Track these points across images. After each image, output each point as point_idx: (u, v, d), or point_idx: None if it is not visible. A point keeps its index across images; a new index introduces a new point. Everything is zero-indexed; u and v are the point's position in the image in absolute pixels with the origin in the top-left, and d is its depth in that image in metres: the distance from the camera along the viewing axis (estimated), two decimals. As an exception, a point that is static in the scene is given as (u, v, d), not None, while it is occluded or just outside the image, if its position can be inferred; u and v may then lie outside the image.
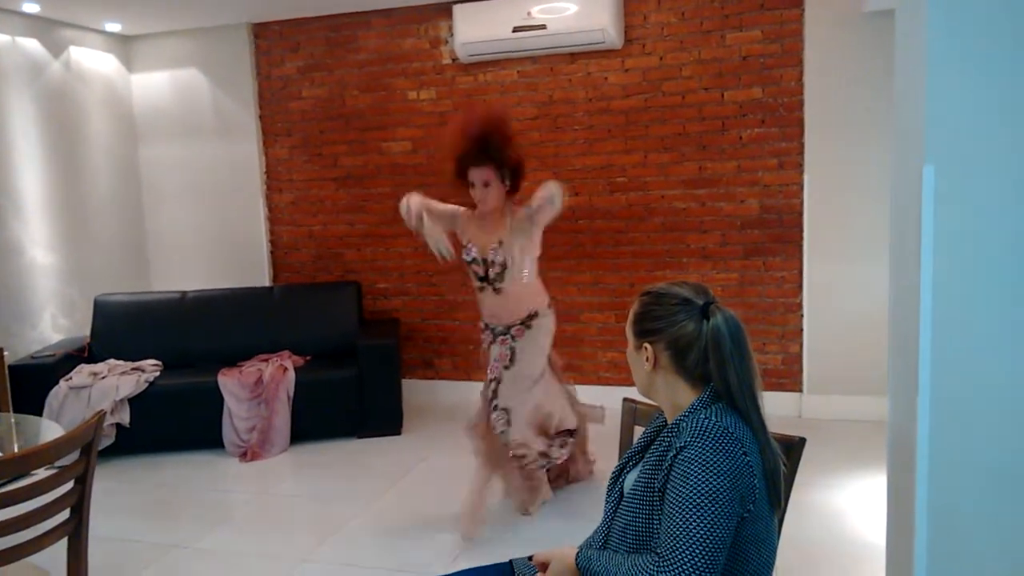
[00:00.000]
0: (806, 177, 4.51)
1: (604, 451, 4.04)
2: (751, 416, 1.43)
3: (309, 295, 5.15)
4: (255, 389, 4.43)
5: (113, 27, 5.32)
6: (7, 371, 4.25)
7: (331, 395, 4.57)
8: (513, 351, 3.42)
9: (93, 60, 5.34)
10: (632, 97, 4.77)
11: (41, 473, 1.94)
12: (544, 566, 1.54)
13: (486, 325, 3.51)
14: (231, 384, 4.43)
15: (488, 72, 5.02)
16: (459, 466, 4.12)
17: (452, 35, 4.95)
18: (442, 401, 5.29)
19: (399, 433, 4.65)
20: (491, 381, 3.45)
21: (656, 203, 4.81)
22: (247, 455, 4.30)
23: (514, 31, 4.66)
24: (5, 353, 4.28)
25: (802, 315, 4.61)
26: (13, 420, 2.97)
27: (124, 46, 5.60)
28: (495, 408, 3.41)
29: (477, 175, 3.34)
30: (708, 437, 1.37)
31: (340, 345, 4.82)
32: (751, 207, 4.64)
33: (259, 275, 5.58)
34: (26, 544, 1.85)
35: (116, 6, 4.85)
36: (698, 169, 4.71)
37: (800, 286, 4.60)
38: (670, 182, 4.77)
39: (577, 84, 4.86)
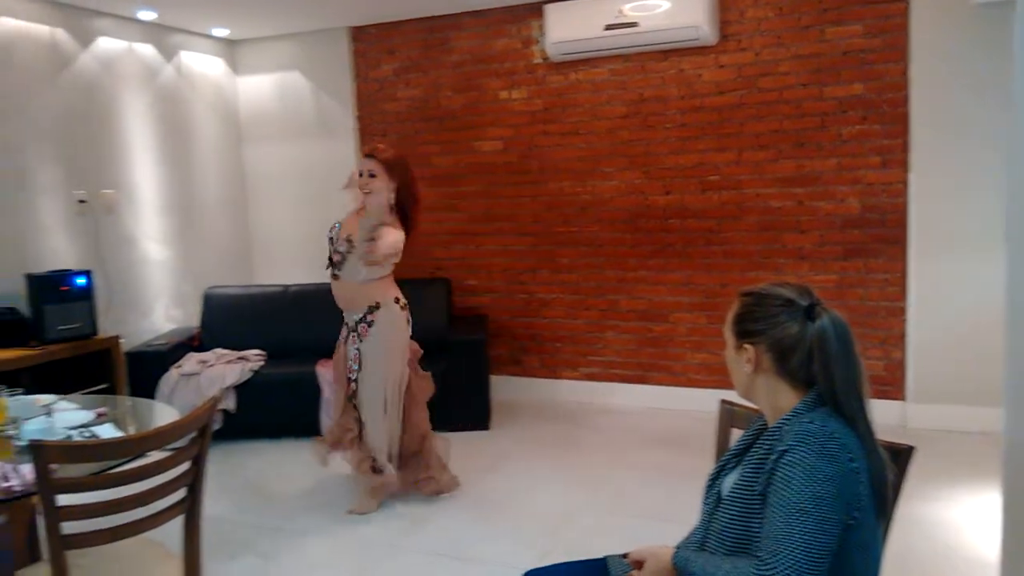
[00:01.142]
0: (912, 175, 4.32)
1: (700, 454, 3.99)
2: (857, 421, 1.39)
3: (403, 289, 5.25)
4: (350, 381, 4.56)
5: (221, 32, 5.59)
6: (124, 357, 4.54)
7: (422, 389, 4.66)
8: (360, 355, 3.56)
9: (202, 64, 5.63)
10: (727, 94, 4.68)
11: (154, 455, 2.06)
12: (639, 564, 1.54)
13: (343, 317, 3.68)
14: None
15: (579, 71, 5.02)
16: (544, 461, 4.16)
17: (543, 34, 4.98)
18: (528, 397, 5.34)
19: (487, 428, 4.71)
20: (350, 381, 3.62)
21: (750, 202, 4.70)
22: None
23: (606, 29, 4.65)
24: (122, 341, 4.58)
25: (906, 319, 4.43)
26: (129, 403, 3.17)
27: (231, 50, 5.88)
28: (355, 407, 3.61)
29: (364, 164, 3.56)
30: (812, 441, 1.34)
31: (431, 340, 4.88)
32: (852, 206, 4.48)
33: (354, 271, 5.75)
34: (145, 520, 1.98)
35: (225, 12, 5.10)
36: (795, 167, 4.58)
37: (904, 289, 4.42)
38: (765, 180, 4.66)
39: (669, 81, 4.81)
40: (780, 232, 4.67)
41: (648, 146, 4.91)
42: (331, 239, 3.62)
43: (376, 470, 3.58)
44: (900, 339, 4.45)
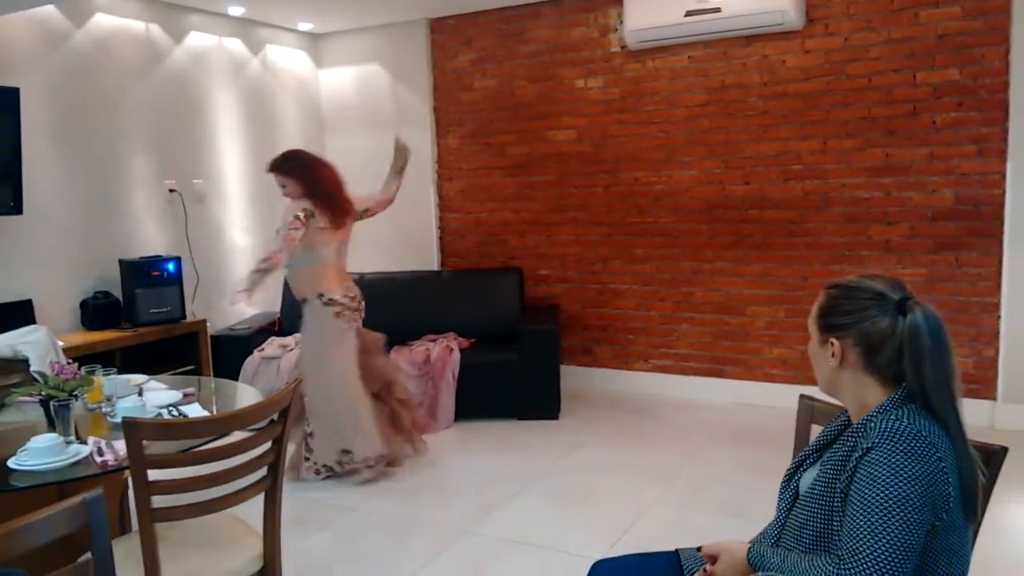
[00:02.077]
0: (1009, 165, 4.09)
1: (775, 450, 3.90)
2: (948, 420, 1.33)
3: (474, 280, 5.33)
4: (423, 367, 4.65)
5: (305, 26, 5.73)
6: (209, 340, 4.73)
7: (493, 376, 4.71)
8: (297, 342, 3.83)
9: (286, 57, 5.79)
10: (812, 80, 4.53)
11: (235, 434, 2.13)
12: (712, 559, 1.51)
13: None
14: (402, 361, 4.67)
15: (657, 58, 4.94)
16: (615, 452, 4.13)
17: (622, 22, 4.92)
18: (599, 388, 5.31)
19: (557, 418, 4.71)
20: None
21: (835, 192, 4.54)
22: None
23: (687, 15, 4.56)
24: (208, 324, 4.77)
25: (999, 316, 4.21)
26: (213, 385, 3.29)
27: (314, 44, 6.02)
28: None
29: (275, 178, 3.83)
30: (899, 440, 1.29)
31: (503, 329, 4.96)
32: (944, 197, 4.28)
33: (429, 259, 5.84)
34: (228, 496, 2.06)
35: (309, 6, 5.23)
36: (884, 156, 4.40)
37: (998, 284, 4.20)
38: (852, 170, 4.49)
39: (751, 68, 4.68)
40: (866, 224, 4.49)
41: (728, 134, 4.79)
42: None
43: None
44: (992, 337, 4.24)
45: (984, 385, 4.26)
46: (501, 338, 4.91)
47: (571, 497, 3.60)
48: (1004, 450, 1.49)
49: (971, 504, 1.33)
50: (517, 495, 3.64)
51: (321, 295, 3.76)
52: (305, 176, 3.75)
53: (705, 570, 1.52)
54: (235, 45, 5.36)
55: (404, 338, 4.97)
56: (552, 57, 5.28)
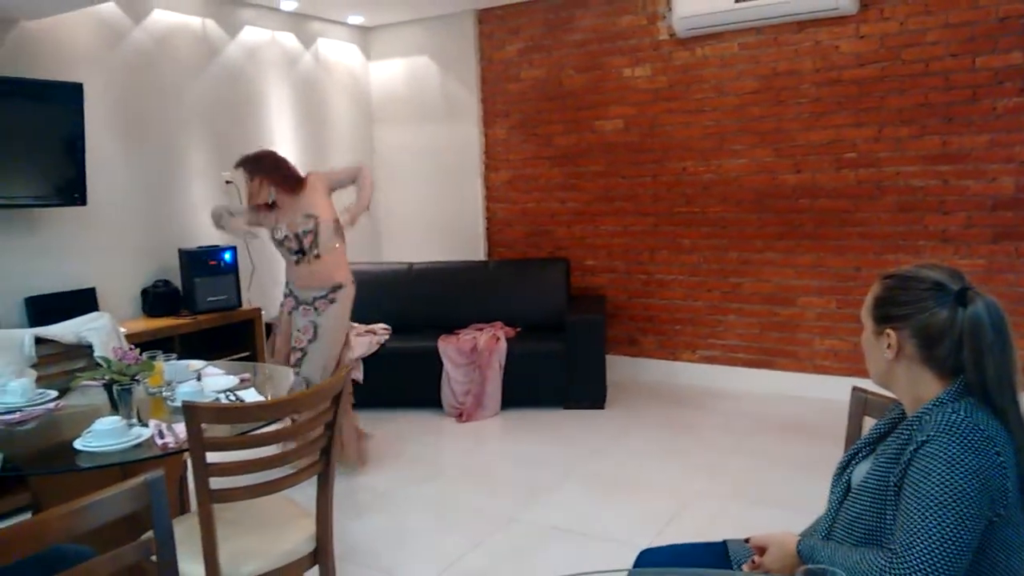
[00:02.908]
0: (1077, 152, 3.94)
1: (825, 443, 3.85)
2: (1009, 414, 1.30)
3: (521, 270, 5.35)
4: (470, 356, 4.69)
5: (356, 19, 5.80)
6: (264, 328, 4.85)
7: (539, 366, 4.73)
8: (316, 327, 3.72)
9: (337, 51, 5.87)
10: (867, 66, 4.42)
11: (285, 419, 2.19)
12: (761, 551, 1.51)
13: (289, 293, 3.84)
14: (449, 350, 4.73)
15: (706, 46, 4.88)
16: (661, 442, 4.12)
17: (671, 10, 4.86)
18: (645, 378, 5.30)
19: (603, 407, 4.72)
20: (296, 350, 3.75)
21: (890, 180, 4.44)
22: (462, 416, 4.59)
23: (737, 2, 4.49)
24: (263, 312, 4.88)
25: (1063, 309, 4.07)
26: (267, 371, 3.37)
27: (364, 37, 6.09)
28: (296, 374, 3.62)
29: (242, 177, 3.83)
30: (956, 433, 1.26)
31: (549, 319, 4.97)
32: (1004, 185, 4.15)
33: (476, 249, 5.88)
34: (283, 479, 2.12)
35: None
36: (941, 143, 4.27)
37: (1062, 276, 4.06)
38: (907, 158, 4.38)
39: (804, 54, 4.59)
40: (922, 213, 4.38)
41: (779, 122, 4.71)
42: (282, 239, 3.77)
43: None
44: (1057, 330, 4.09)
45: (1046, 380, 4.12)
46: (548, 328, 4.93)
47: (616, 486, 3.61)
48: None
49: (1030, 499, 1.30)
50: (562, 483, 3.66)
51: (352, 280, 3.86)
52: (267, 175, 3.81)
53: (753, 561, 1.52)
54: (288, 39, 5.45)
55: (451, 327, 5.02)
56: (600, 46, 5.25)
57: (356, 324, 5.03)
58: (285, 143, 5.45)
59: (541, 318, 5.03)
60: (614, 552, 2.93)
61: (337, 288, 3.78)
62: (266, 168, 3.76)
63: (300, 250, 3.75)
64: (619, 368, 5.32)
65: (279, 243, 3.80)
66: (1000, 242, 4.19)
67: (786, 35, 4.62)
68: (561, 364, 4.69)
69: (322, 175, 3.87)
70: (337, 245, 3.79)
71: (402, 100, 6.07)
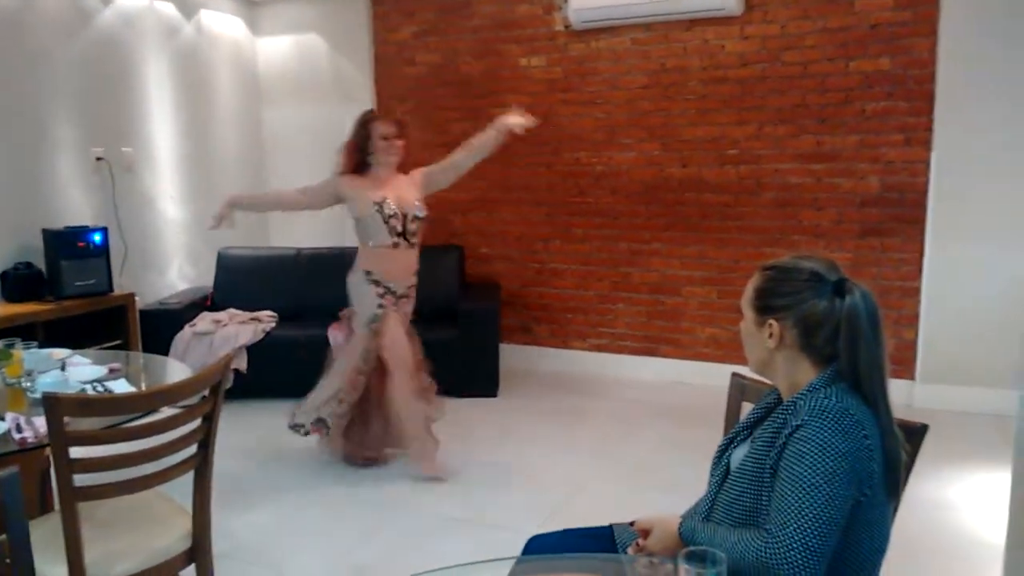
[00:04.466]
0: (934, 154, 4.26)
1: (706, 426, 4.00)
2: (877, 399, 1.38)
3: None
4: (361, 345, 4.59)
5: (241, -9, 5.54)
6: (138, 315, 4.58)
7: (433, 354, 4.64)
8: (407, 315, 3.71)
9: (222, 24, 5.59)
10: (749, 66, 4.61)
11: (165, 411, 2.08)
12: (645, 533, 1.54)
13: (387, 289, 3.60)
14: (340, 337, 4.60)
15: (600, 39, 4.95)
16: (553, 430, 4.18)
17: (566, 1, 4.90)
18: (538, 366, 5.36)
19: (496, 395, 4.73)
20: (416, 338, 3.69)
21: (768, 177, 4.65)
22: (352, 407, 4.49)
23: (630, -3, 4.57)
24: (136, 298, 4.61)
25: (920, 300, 4.40)
26: (142, 360, 3.20)
27: (250, 10, 5.83)
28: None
29: (388, 127, 3.57)
30: (828, 417, 1.33)
31: (442, 307, 4.93)
32: (871, 184, 4.43)
33: (368, 235, 5.75)
34: (156, 475, 2.00)
35: (244, -29, 5.04)
36: (816, 143, 4.52)
37: (919, 269, 4.38)
38: (785, 156, 4.60)
39: (692, 52, 4.74)
40: (797, 208, 4.62)
41: (667, 117, 4.85)
42: (393, 215, 3.53)
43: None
44: (913, 319, 4.42)
45: (904, 366, 4.45)
46: (441, 316, 4.88)
47: (508, 474, 3.63)
48: (924, 428, 1.55)
49: (894, 480, 1.39)
50: (456, 472, 3.64)
51: None
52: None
53: (638, 544, 1.55)
54: (167, 8, 5.14)
55: (337, 315, 4.89)
56: (496, 33, 5.24)
57: (239, 311, 4.84)
58: (164, 118, 5.15)
59: (435, 306, 4.96)
60: (505, 540, 2.94)
61: (417, 272, 3.71)
62: (408, 135, 3.60)
63: (403, 233, 3.55)
64: (513, 356, 5.35)
65: (384, 219, 3.51)
66: (866, 237, 4.47)
67: (676, 32, 4.75)
68: (455, 352, 4.67)
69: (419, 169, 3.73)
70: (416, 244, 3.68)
71: (292, 79, 5.86)
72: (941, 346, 4.35)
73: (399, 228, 3.55)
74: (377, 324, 3.62)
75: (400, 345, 3.62)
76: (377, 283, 3.60)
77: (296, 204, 3.75)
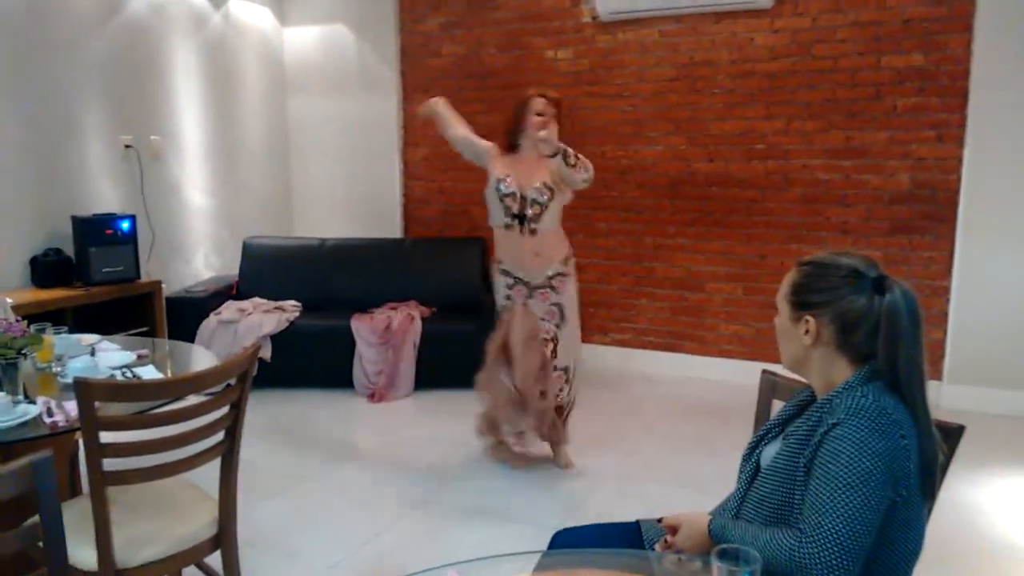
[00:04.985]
0: (967, 151, 4.18)
1: (730, 424, 3.97)
2: (915, 399, 1.35)
3: (437, 248, 5.29)
4: (384, 335, 4.61)
5: (269, -19, 5.55)
6: (164, 302, 4.62)
7: (454, 346, 4.69)
8: (561, 307, 3.44)
9: (250, 13, 5.61)
10: (779, 60, 4.55)
11: (191, 398, 2.09)
12: (673, 530, 1.53)
13: (517, 279, 3.44)
14: (362, 329, 4.63)
15: (628, 31, 4.91)
16: (574, 424, 4.16)
17: (594, -8, 4.87)
18: (560, 361, 5.33)
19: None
20: (546, 340, 3.42)
21: (796, 173, 4.60)
22: (374, 396, 4.52)
23: (658, -11, 4.53)
24: (163, 285, 4.66)
25: (948, 299, 4.33)
26: (167, 347, 3.22)
27: (279, 1, 5.84)
28: (555, 368, 3.44)
29: (546, 105, 3.41)
30: (865, 416, 1.31)
31: (464, 298, 4.94)
32: (901, 181, 4.36)
33: (392, 227, 5.77)
34: (183, 461, 2.02)
35: (272, -39, 5.06)
36: (845, 139, 4.45)
37: (949, 268, 4.31)
38: (813, 151, 4.54)
39: (721, 45, 4.68)
40: (825, 205, 4.56)
41: (694, 111, 4.80)
42: (510, 194, 3.37)
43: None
44: (942, 319, 4.35)
45: (932, 366, 4.37)
46: (463, 308, 4.89)
47: (530, 467, 3.62)
48: (961, 428, 1.52)
49: (929, 481, 1.36)
50: (476, 464, 3.65)
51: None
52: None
53: (666, 540, 1.54)
54: (195, -2, 5.17)
55: (365, 305, 4.92)
56: (522, 26, 5.21)
57: (263, 300, 4.87)
58: (192, 107, 5.19)
59: (457, 298, 4.99)
60: (529, 534, 2.95)
61: (568, 260, 3.51)
62: (562, 117, 3.45)
63: (519, 216, 3.37)
64: (533, 349, 5.33)
65: (500, 197, 3.39)
66: (895, 235, 4.41)
67: (705, 25, 4.70)
68: (476, 345, 4.64)
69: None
70: (554, 228, 3.47)
71: (318, 69, 5.88)
72: (970, 347, 4.28)
73: (514, 209, 3.37)
74: (505, 314, 3.51)
75: (516, 347, 3.43)
76: (506, 272, 3.47)
77: (463, 141, 3.57)
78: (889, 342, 1.36)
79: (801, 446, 1.39)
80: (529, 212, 3.36)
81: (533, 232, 3.38)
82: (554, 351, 3.44)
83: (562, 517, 3.07)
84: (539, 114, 3.38)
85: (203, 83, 5.26)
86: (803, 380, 1.56)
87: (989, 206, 4.15)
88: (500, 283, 3.51)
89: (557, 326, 3.44)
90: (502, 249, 3.48)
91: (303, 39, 5.89)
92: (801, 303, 1.45)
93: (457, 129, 3.58)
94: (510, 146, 3.47)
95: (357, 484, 3.46)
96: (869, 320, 1.38)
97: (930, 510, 1.44)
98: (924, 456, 1.34)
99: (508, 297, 3.49)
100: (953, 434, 1.50)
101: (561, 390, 3.51)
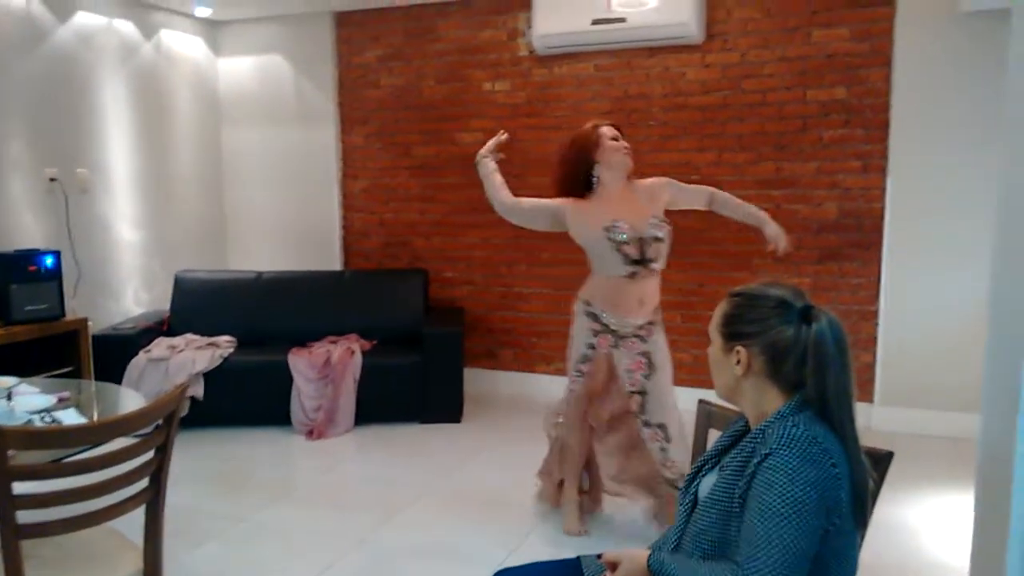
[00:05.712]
0: (889, 181, 4.35)
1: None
2: (845, 427, 1.37)
3: (378, 281, 5.23)
4: (323, 370, 4.52)
5: (203, 12, 5.48)
6: (91, 341, 4.44)
7: (395, 380, 4.63)
8: (649, 357, 3.03)
9: (182, 43, 5.52)
10: (711, 94, 4.67)
11: (118, 442, 2.00)
12: (613, 566, 1.51)
13: (604, 327, 3.04)
14: (300, 364, 4.53)
15: (564, 65, 4.99)
16: (519, 456, 4.12)
17: (530, 27, 4.94)
18: (502, 392, 5.31)
19: (459, 421, 4.68)
20: (635, 394, 3.03)
21: (730, 203, 4.70)
22: (313, 433, 4.40)
23: (593, 24, 4.62)
24: (89, 323, 4.48)
25: (877, 323, 4.47)
26: (93, 388, 3.09)
27: (212, 30, 5.76)
28: (647, 424, 3.03)
29: (614, 129, 3.14)
30: (796, 446, 1.32)
31: (406, 331, 4.88)
32: (829, 210, 4.51)
33: (331, 259, 5.69)
34: (106, 510, 1.92)
35: (206, -8, 5.00)
36: (775, 169, 4.59)
37: (877, 293, 4.45)
38: (745, 182, 4.66)
39: (654, 79, 4.79)
40: (759, 234, 4.66)
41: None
42: (627, 241, 2.95)
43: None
44: (871, 343, 4.49)
45: (862, 389, 4.50)
46: (405, 340, 4.83)
47: (473, 502, 3.57)
48: (890, 455, 1.55)
49: (861, 508, 1.38)
50: (417, 501, 3.58)
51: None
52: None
53: (606, 576, 1.52)
54: (126, 27, 5.06)
55: (303, 340, 4.81)
56: (460, 58, 5.25)
57: (196, 336, 4.73)
58: (120, 138, 5.05)
59: (398, 331, 4.93)
60: (471, 572, 2.89)
61: (658, 308, 3.10)
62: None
63: (641, 260, 2.95)
64: (477, 381, 5.30)
65: (617, 247, 2.95)
66: (825, 262, 4.54)
67: (638, 59, 4.81)
68: (418, 378, 4.62)
69: (666, 179, 3.23)
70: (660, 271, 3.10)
71: (253, 100, 5.80)
72: (899, 369, 4.42)
73: (635, 255, 2.96)
74: (586, 366, 3.10)
75: (599, 403, 3.13)
76: (594, 317, 3.05)
77: (531, 211, 3.20)
78: (817, 371, 1.38)
79: (736, 477, 1.40)
80: (649, 253, 2.98)
81: (654, 272, 3.03)
82: (642, 406, 3.03)
83: (504, 554, 3.02)
84: (615, 138, 3.10)
85: (133, 114, 5.13)
86: (737, 409, 1.57)
87: (912, 233, 4.32)
88: (583, 327, 3.08)
89: (646, 377, 3.02)
90: (600, 292, 3.05)
91: (238, 69, 5.81)
92: (732, 334, 1.47)
93: (518, 200, 3.22)
94: (585, 190, 3.10)
95: (295, 525, 3.35)
96: (797, 350, 1.40)
97: (862, 537, 1.46)
98: (855, 484, 1.36)
99: (591, 347, 3.07)
100: (882, 461, 1.53)
101: (664, 451, 3.02)
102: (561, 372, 5.22)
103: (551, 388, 5.21)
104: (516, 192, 3.32)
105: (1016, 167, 1.67)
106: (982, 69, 4.05)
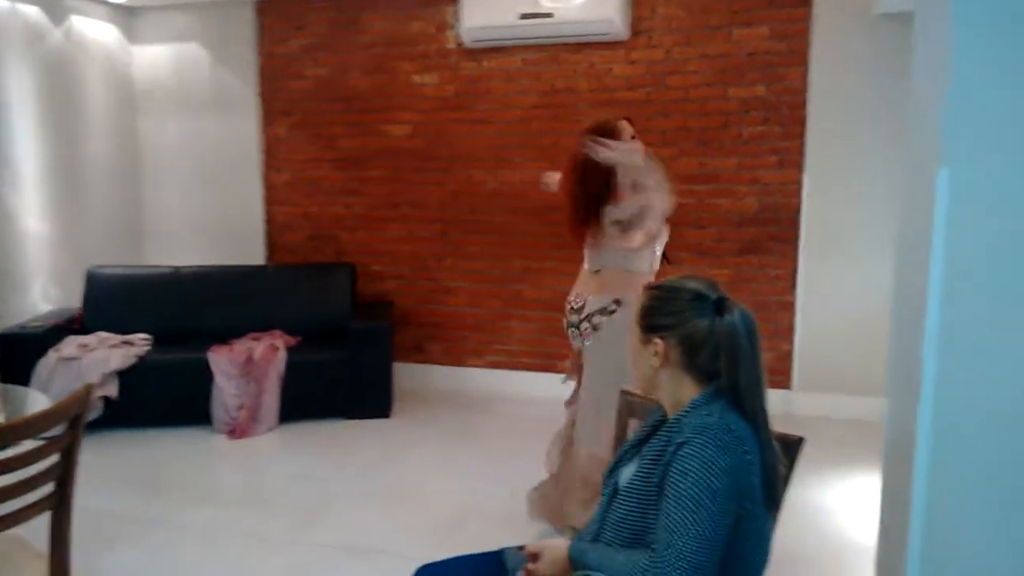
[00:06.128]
0: (805, 176, 4.50)
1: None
2: (757, 415, 1.41)
3: (303, 275, 5.12)
4: (245, 367, 4.40)
5: (115, -3, 5.24)
6: (-4, 340, 4.22)
7: (321, 376, 4.55)
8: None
9: (94, 30, 5.27)
10: (636, 90, 4.74)
11: (26, 444, 1.90)
12: (535, 557, 1.52)
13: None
14: (221, 361, 4.40)
15: (492, 59, 4.98)
16: (446, 450, 4.12)
17: (458, 20, 4.91)
18: (432, 386, 5.28)
19: (388, 416, 4.63)
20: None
21: (655, 197, 4.78)
22: (235, 432, 4.29)
23: (521, 18, 4.62)
24: (-5, 321, 4.25)
25: (794, 313, 4.62)
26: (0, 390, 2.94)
27: (126, 17, 5.53)
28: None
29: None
30: (710, 434, 1.35)
31: (332, 326, 4.80)
32: (749, 204, 4.63)
33: (254, 253, 5.54)
34: (7, 516, 1.83)
35: (118, -25, 4.78)
36: (699, 164, 4.69)
37: (793, 284, 4.61)
38: (669, 176, 4.74)
39: (581, 74, 4.83)
40: (682, 228, 4.74)
41: (558, 137, 4.91)
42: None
43: None
44: (788, 332, 4.64)
45: (781, 376, 4.65)
46: (331, 336, 4.75)
47: (399, 498, 3.55)
48: (801, 440, 1.61)
49: (773, 493, 1.42)
50: (343, 499, 3.53)
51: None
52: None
53: (527, 569, 1.53)
54: (32, 12, 4.80)
55: (225, 336, 4.68)
56: (387, 50, 5.18)
57: (109, 334, 4.54)
58: (26, 128, 4.79)
59: (324, 326, 4.85)
60: (397, 568, 2.85)
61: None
62: None
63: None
64: (407, 376, 5.25)
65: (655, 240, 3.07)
66: (745, 255, 4.67)
67: (565, 54, 4.84)
68: (345, 373, 4.55)
69: None
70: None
71: (170, 89, 5.59)
72: (815, 357, 4.58)
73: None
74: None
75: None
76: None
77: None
78: (730, 361, 1.42)
79: (653, 466, 1.42)
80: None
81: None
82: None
83: (430, 548, 3.00)
84: (634, 137, 3.14)
85: (41, 102, 4.87)
86: (656, 400, 1.60)
87: (826, 227, 4.49)
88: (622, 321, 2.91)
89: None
90: (631, 288, 2.96)
91: (154, 57, 5.59)
92: (650, 326, 1.50)
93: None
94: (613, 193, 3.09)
95: (217, 527, 3.25)
96: (711, 341, 1.44)
97: (775, 520, 1.51)
98: (766, 470, 1.40)
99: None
100: (793, 446, 1.58)
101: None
102: (493, 365, 5.23)
103: (482, 381, 5.22)
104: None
105: (916, 164, 1.75)
106: (894, 70, 4.21)
